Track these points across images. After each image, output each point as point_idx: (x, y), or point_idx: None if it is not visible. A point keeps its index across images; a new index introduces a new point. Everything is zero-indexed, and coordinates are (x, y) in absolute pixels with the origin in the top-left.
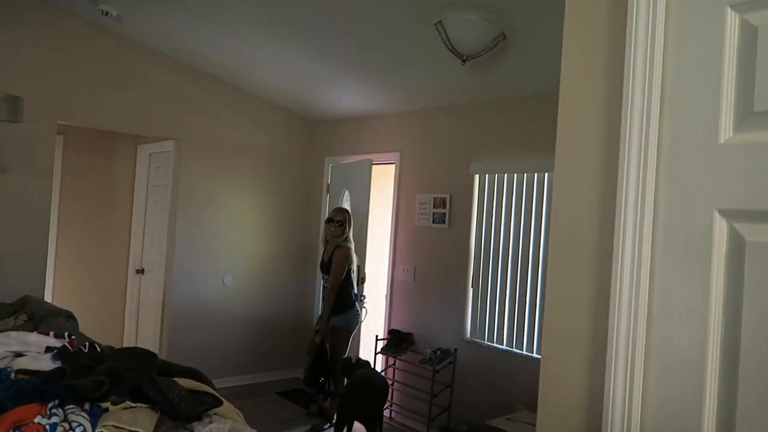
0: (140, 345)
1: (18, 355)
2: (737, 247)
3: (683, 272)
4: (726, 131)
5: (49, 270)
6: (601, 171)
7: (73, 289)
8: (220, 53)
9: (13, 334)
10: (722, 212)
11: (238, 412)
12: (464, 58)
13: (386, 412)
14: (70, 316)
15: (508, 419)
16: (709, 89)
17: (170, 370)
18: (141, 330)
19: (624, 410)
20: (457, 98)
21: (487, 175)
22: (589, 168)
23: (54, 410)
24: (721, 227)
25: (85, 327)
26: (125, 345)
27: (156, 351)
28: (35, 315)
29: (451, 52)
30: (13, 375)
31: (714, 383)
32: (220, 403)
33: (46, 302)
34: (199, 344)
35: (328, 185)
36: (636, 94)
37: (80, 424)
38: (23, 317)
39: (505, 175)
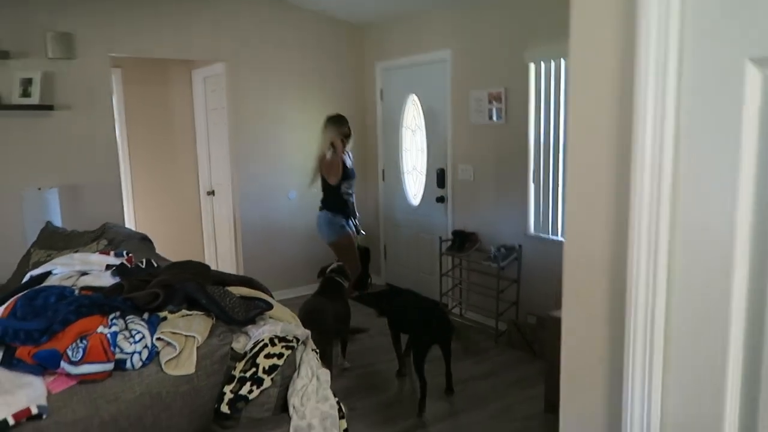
0: (221, 263)
1: (83, 274)
2: None
3: (711, 138)
4: None
5: (129, 198)
6: (621, 29)
7: (152, 215)
8: None
9: (76, 255)
10: (754, 61)
11: (293, 314)
12: None
13: (456, 309)
14: (145, 239)
15: None
16: None
17: (224, 279)
18: (220, 249)
19: (647, 292)
20: None
21: (543, 62)
22: (607, 27)
23: (114, 321)
24: (753, 79)
25: (167, 250)
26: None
27: (234, 268)
28: (114, 240)
29: None
30: (77, 291)
31: (745, 255)
32: (271, 307)
33: (123, 227)
34: (272, 258)
35: (381, 91)
36: None
37: (139, 332)
38: (104, 242)
39: (562, 59)
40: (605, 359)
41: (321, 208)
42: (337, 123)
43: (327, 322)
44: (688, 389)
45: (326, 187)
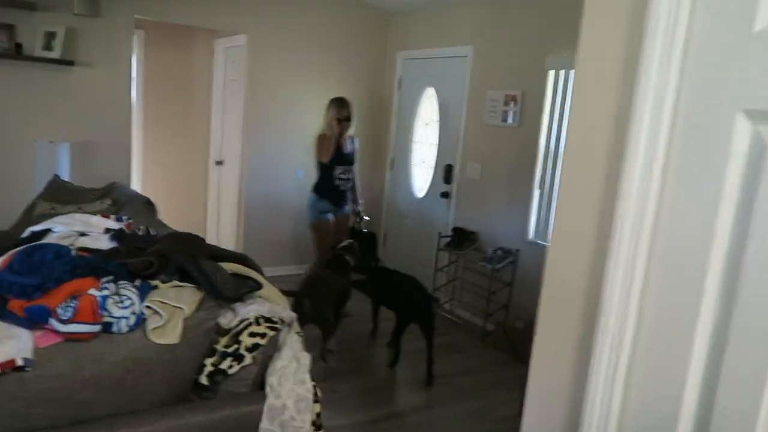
0: (221, 233)
1: (82, 234)
2: (757, 153)
3: (696, 181)
4: (764, 17)
5: (138, 159)
6: (622, 66)
7: (159, 178)
8: None
9: (77, 215)
10: (748, 113)
11: (283, 297)
12: None
13: (447, 305)
14: (148, 203)
15: None
16: None
17: (219, 255)
18: (222, 220)
19: (618, 321)
20: None
21: (563, 71)
22: (610, 58)
23: (106, 284)
24: (742, 130)
25: (170, 216)
26: (208, 234)
27: (234, 238)
28: (118, 200)
29: None
30: (74, 252)
31: (713, 292)
32: (261, 287)
33: (129, 189)
34: (273, 233)
35: (400, 80)
36: None
37: (129, 297)
38: (108, 201)
39: None
40: (569, 384)
41: (311, 190)
42: (337, 105)
43: (330, 293)
44: (645, 418)
45: (320, 169)
